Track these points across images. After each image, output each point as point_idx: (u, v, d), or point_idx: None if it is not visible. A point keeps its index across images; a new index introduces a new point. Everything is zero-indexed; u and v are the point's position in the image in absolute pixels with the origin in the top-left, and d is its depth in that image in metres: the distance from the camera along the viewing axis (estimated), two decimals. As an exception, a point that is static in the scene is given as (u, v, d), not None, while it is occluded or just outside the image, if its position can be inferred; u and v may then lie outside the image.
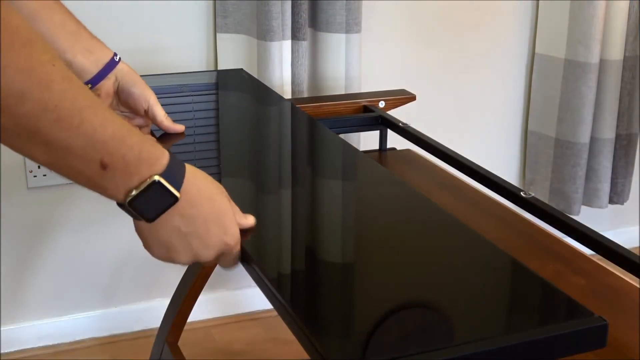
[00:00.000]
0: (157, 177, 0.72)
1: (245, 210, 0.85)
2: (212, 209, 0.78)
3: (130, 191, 0.72)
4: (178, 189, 0.74)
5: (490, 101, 2.25)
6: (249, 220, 0.86)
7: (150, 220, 0.74)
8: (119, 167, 0.70)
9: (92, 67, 1.09)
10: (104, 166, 0.69)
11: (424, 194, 1.00)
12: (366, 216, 0.97)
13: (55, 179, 1.87)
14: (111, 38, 1.72)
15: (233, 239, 0.80)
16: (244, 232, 0.84)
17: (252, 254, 0.82)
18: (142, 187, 0.72)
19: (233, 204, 0.83)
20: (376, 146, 1.56)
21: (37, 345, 1.97)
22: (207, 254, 0.79)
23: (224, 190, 0.81)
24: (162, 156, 0.73)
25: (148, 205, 0.73)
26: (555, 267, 1.10)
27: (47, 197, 1.89)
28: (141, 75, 1.19)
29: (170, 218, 0.75)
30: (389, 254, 0.86)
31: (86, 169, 0.69)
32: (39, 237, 1.92)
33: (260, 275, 0.80)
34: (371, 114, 1.53)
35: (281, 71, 1.86)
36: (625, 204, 2.39)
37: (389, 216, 0.96)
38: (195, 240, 0.77)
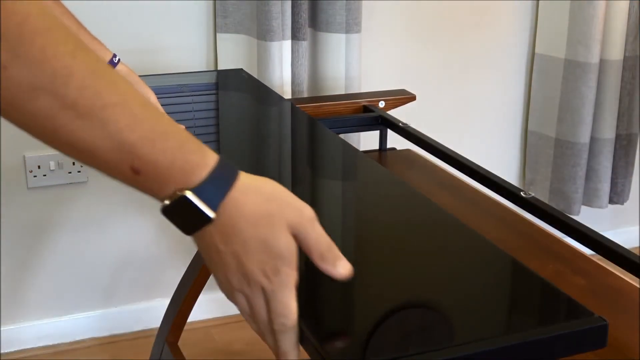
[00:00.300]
0: (188, 192, 0.63)
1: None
2: (254, 234, 0.65)
3: (164, 200, 0.64)
4: (214, 207, 0.64)
5: (490, 101, 2.25)
6: (339, 269, 0.69)
7: (186, 234, 0.66)
8: (151, 174, 0.62)
9: None
10: (136, 171, 0.62)
11: (424, 194, 1.00)
12: (366, 216, 0.97)
13: (55, 179, 1.87)
14: (111, 38, 1.72)
15: (277, 274, 0.66)
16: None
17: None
18: (173, 199, 0.63)
19: (321, 240, 0.67)
20: (376, 146, 1.56)
21: (37, 345, 1.97)
22: (242, 280, 0.67)
23: (288, 216, 0.66)
24: (201, 166, 0.63)
25: (179, 219, 0.64)
26: (555, 267, 1.10)
27: (47, 197, 1.89)
28: (141, 76, 1.19)
29: (207, 234, 0.65)
30: (389, 254, 0.86)
31: (119, 173, 0.62)
32: (39, 237, 1.92)
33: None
34: (371, 114, 1.53)
35: (281, 71, 1.86)
36: (625, 204, 2.39)
37: (389, 216, 0.96)
38: (233, 259, 0.66)
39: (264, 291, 0.67)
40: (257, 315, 0.69)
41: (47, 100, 0.57)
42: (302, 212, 0.67)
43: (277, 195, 0.67)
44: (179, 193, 0.63)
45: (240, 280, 0.67)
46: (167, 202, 0.64)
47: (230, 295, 0.69)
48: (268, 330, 0.69)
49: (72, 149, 0.60)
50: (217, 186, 0.64)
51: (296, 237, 0.67)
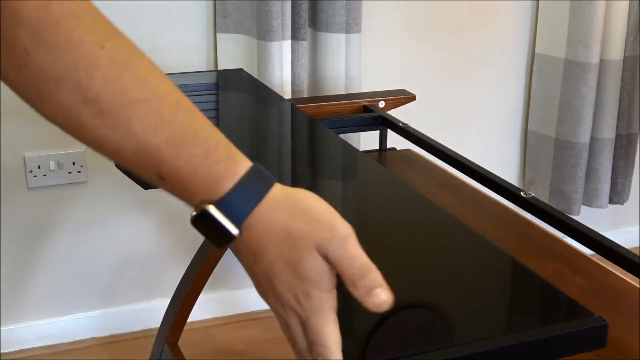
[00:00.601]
0: (210, 207, 0.57)
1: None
2: (280, 255, 0.58)
3: (193, 209, 0.59)
4: (238, 224, 0.58)
5: (490, 101, 2.25)
6: (374, 298, 0.59)
7: (217, 247, 0.60)
8: (176, 182, 0.57)
9: None
10: (161, 177, 0.57)
11: (424, 194, 1.00)
12: (366, 216, 0.97)
13: (55, 179, 1.87)
14: (111, 38, 1.72)
15: (308, 299, 0.58)
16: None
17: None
18: (198, 211, 0.58)
19: (354, 263, 0.58)
20: (376, 146, 1.56)
21: (37, 345, 1.97)
22: (276, 302, 0.60)
23: (316, 235, 0.58)
24: (228, 177, 0.58)
25: (205, 233, 0.59)
26: (555, 267, 1.10)
27: (47, 197, 1.89)
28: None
29: (239, 248, 0.60)
30: (388, 254, 0.86)
31: (147, 177, 0.57)
32: (39, 237, 1.92)
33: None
34: (371, 114, 1.53)
35: (281, 71, 1.86)
36: (625, 204, 2.39)
37: (389, 216, 0.96)
38: (264, 279, 0.60)
39: (298, 316, 0.60)
40: (295, 341, 0.61)
41: (70, 92, 0.53)
42: (334, 230, 0.58)
43: (309, 211, 0.59)
44: (202, 206, 0.58)
45: (275, 302, 0.61)
46: (193, 213, 0.58)
47: (274, 313, 0.63)
48: (309, 358, 0.61)
49: (100, 147, 0.56)
50: (242, 200, 0.58)
51: (327, 259, 0.58)
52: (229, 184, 0.58)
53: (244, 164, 0.59)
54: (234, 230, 0.58)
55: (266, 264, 0.59)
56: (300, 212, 0.59)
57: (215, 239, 0.59)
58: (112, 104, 0.54)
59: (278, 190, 0.59)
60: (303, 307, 0.59)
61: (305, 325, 0.60)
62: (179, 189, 0.58)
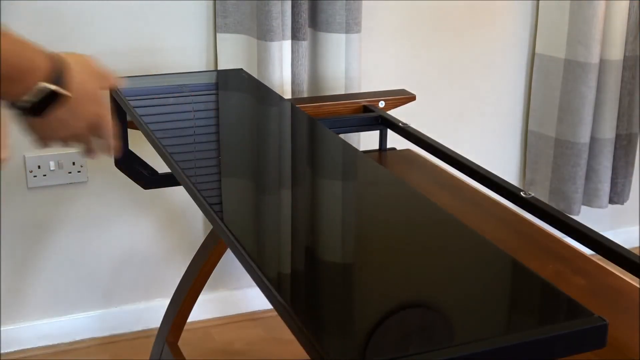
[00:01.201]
0: (47, 84, 0.88)
1: (245, 210, 0.83)
2: (87, 88, 0.94)
3: (23, 100, 0.91)
4: (68, 89, 0.90)
5: (490, 101, 2.25)
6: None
7: (39, 115, 0.94)
8: (14, 88, 0.88)
9: None
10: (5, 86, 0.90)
11: (424, 194, 1.00)
12: (366, 216, 0.97)
13: (55, 179, 1.87)
14: (111, 38, 1.72)
15: (104, 110, 0.96)
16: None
17: (252, 254, 0.82)
18: (37, 90, 0.88)
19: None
20: (376, 146, 1.56)
21: (37, 345, 1.98)
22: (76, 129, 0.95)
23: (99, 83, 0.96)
24: (46, 72, 0.88)
25: (46, 103, 0.91)
26: (555, 267, 1.10)
27: (47, 197, 1.89)
28: (141, 76, 1.19)
29: (58, 107, 0.92)
30: (388, 254, 0.86)
31: None
32: (39, 237, 1.92)
33: (260, 275, 0.80)
34: (371, 114, 1.53)
35: (281, 71, 1.86)
36: (625, 204, 2.39)
37: (389, 216, 0.96)
38: (74, 118, 0.94)
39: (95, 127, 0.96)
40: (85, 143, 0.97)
41: None
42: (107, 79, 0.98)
43: (87, 68, 0.95)
44: (39, 86, 0.87)
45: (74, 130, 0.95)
46: (28, 98, 0.88)
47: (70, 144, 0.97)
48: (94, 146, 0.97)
49: None
50: (60, 75, 0.89)
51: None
52: (48, 71, 0.88)
53: (49, 58, 0.88)
54: (68, 93, 0.90)
55: (81, 105, 0.93)
56: (85, 70, 0.94)
57: (52, 105, 0.90)
58: None
59: (71, 66, 0.91)
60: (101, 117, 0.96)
61: (97, 126, 0.96)
62: (16, 89, 0.90)
